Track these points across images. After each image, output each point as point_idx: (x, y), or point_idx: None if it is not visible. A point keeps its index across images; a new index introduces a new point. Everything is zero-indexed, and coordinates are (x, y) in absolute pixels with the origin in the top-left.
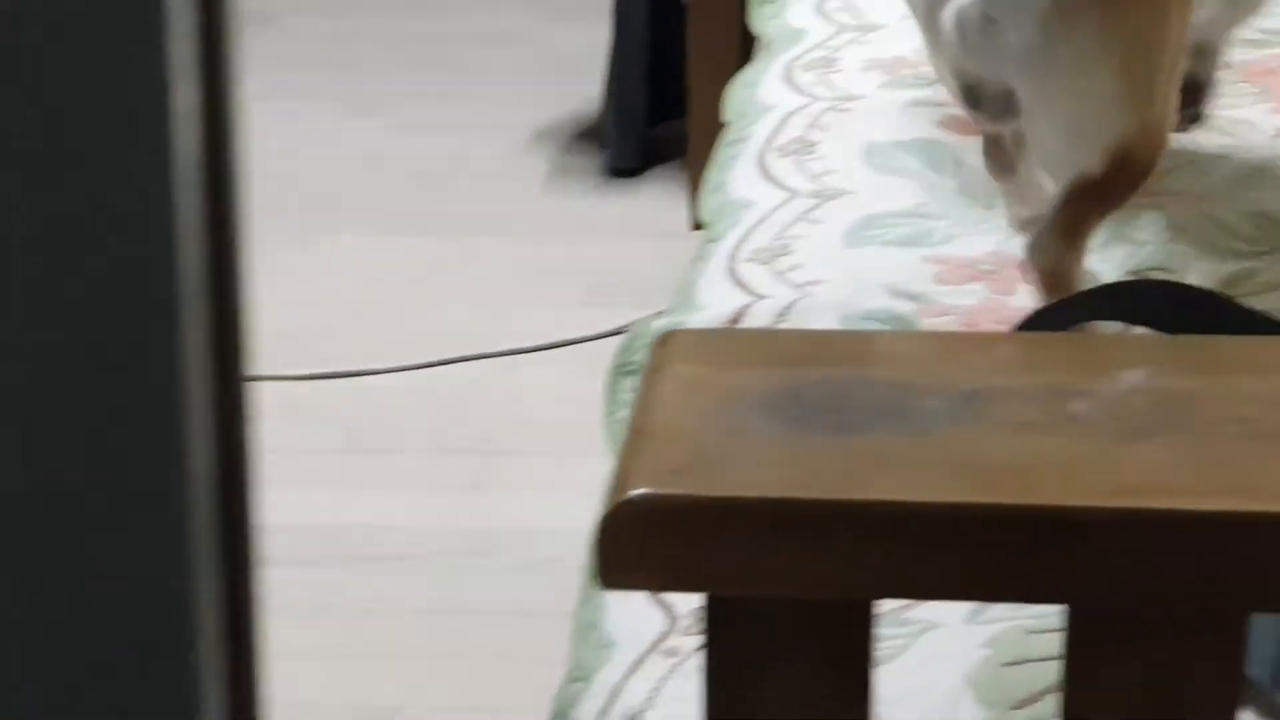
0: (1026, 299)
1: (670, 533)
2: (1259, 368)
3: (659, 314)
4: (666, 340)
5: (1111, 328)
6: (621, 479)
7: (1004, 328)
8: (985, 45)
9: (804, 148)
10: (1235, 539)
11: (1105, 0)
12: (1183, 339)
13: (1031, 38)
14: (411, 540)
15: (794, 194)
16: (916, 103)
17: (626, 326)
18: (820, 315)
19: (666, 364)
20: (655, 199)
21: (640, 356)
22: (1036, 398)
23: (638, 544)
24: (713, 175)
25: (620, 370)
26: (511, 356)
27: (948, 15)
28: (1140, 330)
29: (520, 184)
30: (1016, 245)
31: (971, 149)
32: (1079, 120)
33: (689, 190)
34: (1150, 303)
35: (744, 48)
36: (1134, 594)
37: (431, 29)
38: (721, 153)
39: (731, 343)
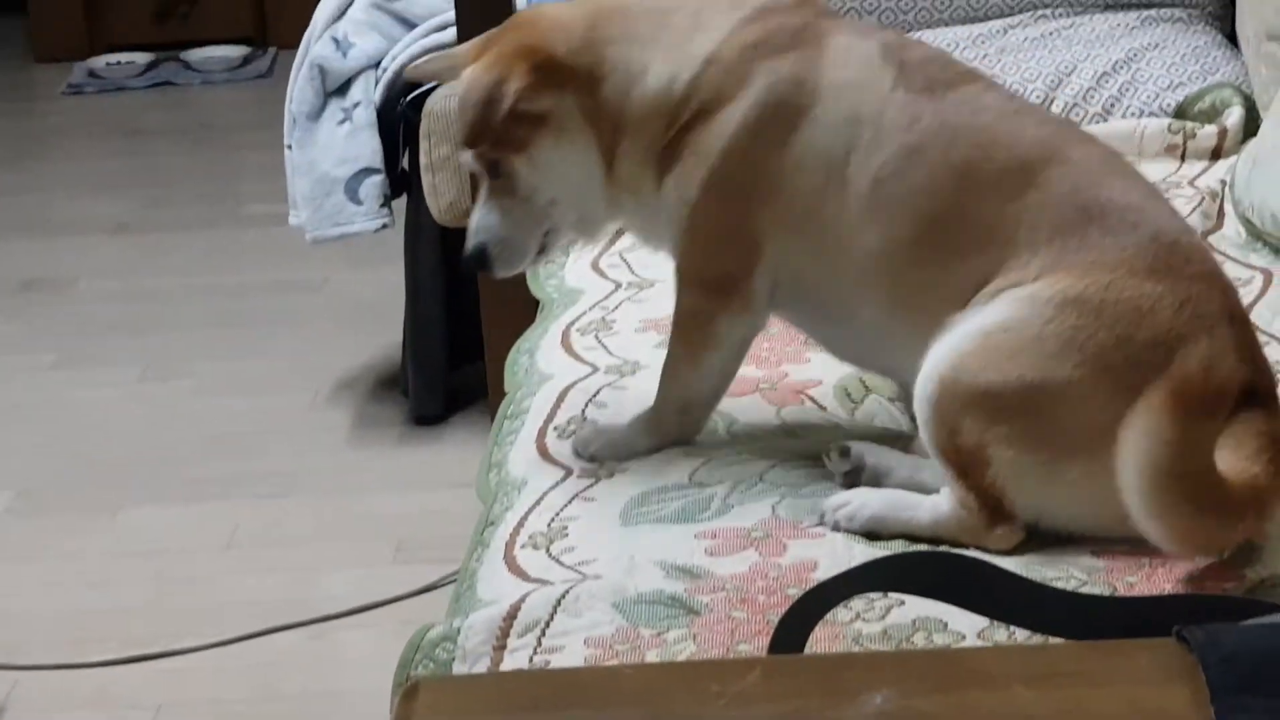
0: (799, 554)
1: None
2: (993, 681)
3: (433, 626)
4: (412, 693)
5: None
6: None
7: (778, 593)
8: None
9: (582, 426)
10: None
11: None
12: (919, 652)
13: None
14: None
15: (569, 472)
16: None
17: (438, 583)
18: (594, 604)
19: None
20: (460, 445)
21: (421, 669)
22: None
23: None
24: (492, 452)
25: (402, 686)
26: (321, 624)
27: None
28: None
29: (324, 438)
30: (787, 509)
31: (743, 410)
32: None
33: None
34: (919, 575)
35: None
36: None
37: (227, 282)
38: (501, 427)
39: (476, 692)
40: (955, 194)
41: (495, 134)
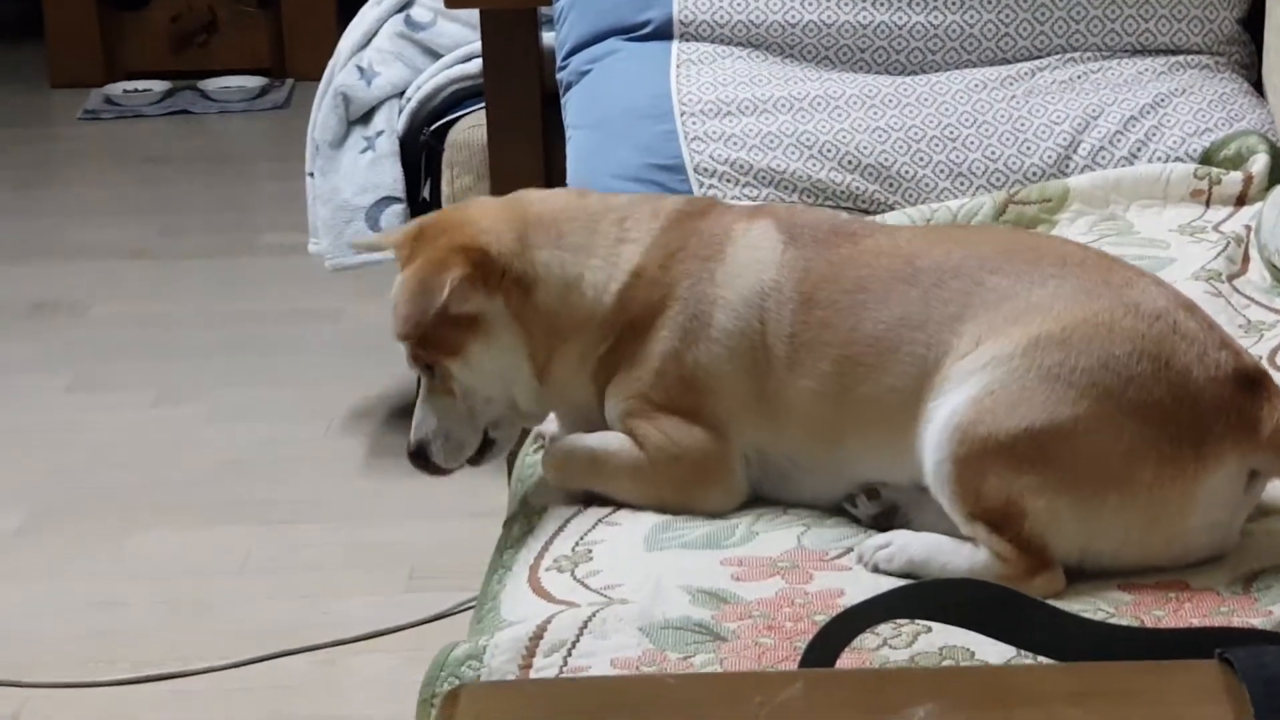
0: (826, 583)
1: None
2: (1034, 698)
3: (458, 644)
4: (453, 700)
5: None
6: None
7: (804, 620)
8: None
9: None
10: None
11: None
12: (961, 669)
13: None
14: None
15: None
16: None
17: (451, 610)
18: (621, 627)
19: None
20: (474, 475)
21: (446, 686)
22: None
23: None
24: (515, 485)
25: (426, 703)
26: (333, 649)
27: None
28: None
29: (337, 466)
30: (812, 539)
31: None
32: None
33: (507, 465)
34: (947, 602)
35: None
36: None
37: (242, 309)
38: (524, 459)
39: (518, 698)
40: (856, 311)
41: (429, 336)
